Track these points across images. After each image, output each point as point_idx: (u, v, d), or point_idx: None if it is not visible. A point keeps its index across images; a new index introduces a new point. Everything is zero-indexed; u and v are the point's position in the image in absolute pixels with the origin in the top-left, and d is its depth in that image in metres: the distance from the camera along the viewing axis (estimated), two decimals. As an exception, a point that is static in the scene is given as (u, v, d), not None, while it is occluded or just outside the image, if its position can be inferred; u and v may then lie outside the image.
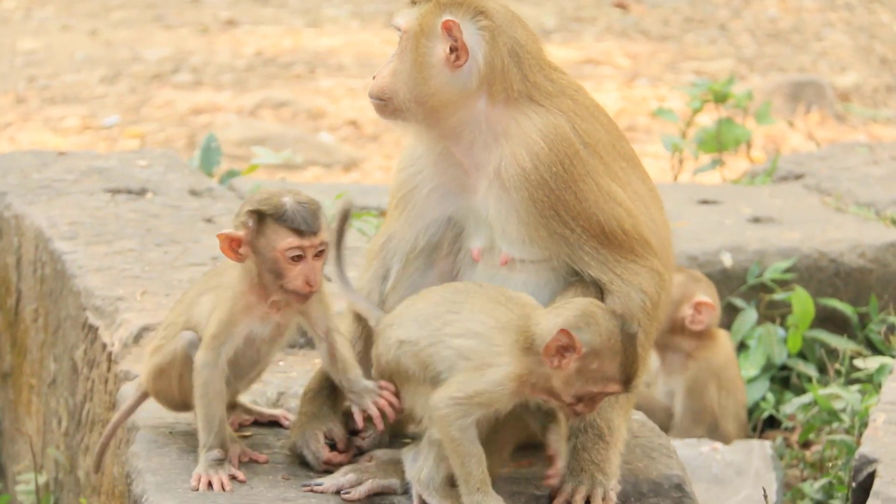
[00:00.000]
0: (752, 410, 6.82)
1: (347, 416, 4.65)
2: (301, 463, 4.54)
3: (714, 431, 6.58)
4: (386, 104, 4.56)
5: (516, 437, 4.54)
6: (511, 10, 4.59)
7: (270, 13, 14.49)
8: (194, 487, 4.38)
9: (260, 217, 4.41)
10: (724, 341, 6.71)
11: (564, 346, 4.19)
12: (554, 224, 4.46)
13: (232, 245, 4.42)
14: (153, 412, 4.79)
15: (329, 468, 4.50)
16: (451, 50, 4.49)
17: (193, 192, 6.85)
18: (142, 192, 6.81)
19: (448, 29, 4.48)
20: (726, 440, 6.47)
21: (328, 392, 4.62)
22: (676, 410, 6.66)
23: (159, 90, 12.27)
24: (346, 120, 11.62)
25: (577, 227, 4.47)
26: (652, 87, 12.34)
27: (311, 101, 11.95)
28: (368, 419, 4.48)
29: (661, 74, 12.69)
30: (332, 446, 4.55)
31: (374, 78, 4.59)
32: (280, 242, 4.39)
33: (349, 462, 4.52)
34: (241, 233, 4.42)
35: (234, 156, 10.20)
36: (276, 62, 13.05)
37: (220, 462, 4.41)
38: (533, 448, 4.60)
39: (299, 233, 4.39)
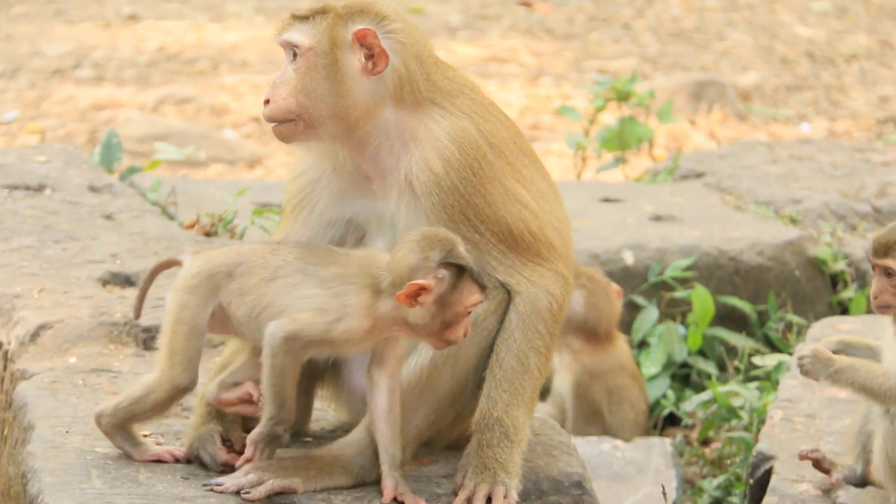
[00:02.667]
0: (653, 408, 6.86)
1: (245, 417, 4.62)
2: (200, 464, 4.50)
3: (609, 434, 6.60)
4: (296, 124, 4.49)
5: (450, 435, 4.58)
6: (401, 10, 4.59)
7: (173, 8, 14.36)
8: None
9: (459, 272, 4.32)
10: (618, 347, 6.71)
11: (417, 291, 4.28)
12: (463, 228, 4.47)
13: (418, 294, 4.30)
14: (50, 412, 4.74)
15: (227, 470, 4.46)
16: (367, 58, 4.47)
17: (93, 189, 6.77)
18: (40, 189, 6.72)
19: (362, 37, 4.46)
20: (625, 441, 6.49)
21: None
22: (567, 411, 6.68)
23: (60, 85, 12.13)
24: (249, 116, 11.56)
25: (486, 230, 4.49)
26: (556, 86, 12.38)
27: (214, 98, 11.86)
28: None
29: (566, 73, 12.74)
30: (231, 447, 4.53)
31: (266, 102, 4.50)
32: (470, 298, 4.33)
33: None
34: (433, 283, 4.31)
35: (136, 152, 10.10)
36: (180, 58, 12.94)
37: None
38: (429, 446, 4.62)
39: (483, 289, 4.37)
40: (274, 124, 4.52)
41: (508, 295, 4.54)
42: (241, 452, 4.49)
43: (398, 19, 4.52)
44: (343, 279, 4.36)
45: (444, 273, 4.30)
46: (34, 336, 5.30)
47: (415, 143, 4.49)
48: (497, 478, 4.43)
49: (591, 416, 6.64)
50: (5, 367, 5.26)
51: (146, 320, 5.42)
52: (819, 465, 4.87)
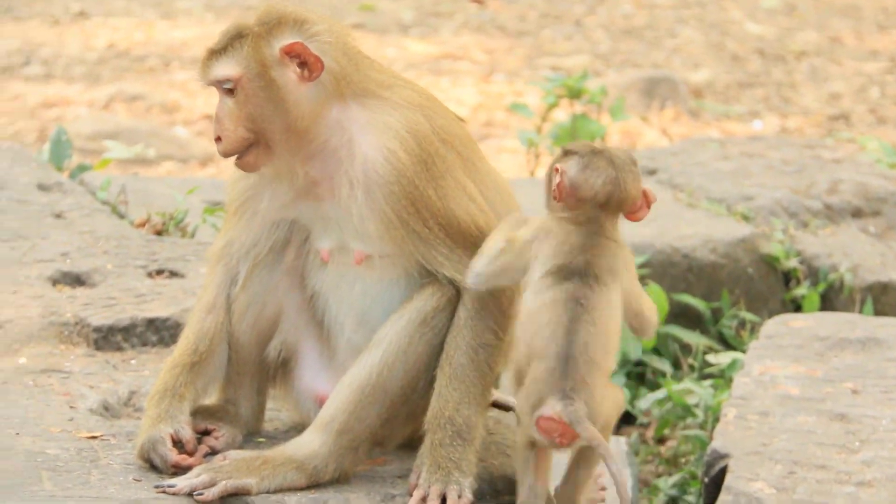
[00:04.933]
0: (608, 406, 6.85)
1: (196, 417, 4.58)
2: (151, 466, 4.46)
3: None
4: (255, 150, 4.44)
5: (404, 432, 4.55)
6: (311, 6, 4.54)
7: (122, 5, 14.26)
8: None
9: None
10: None
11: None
12: (413, 222, 4.44)
13: None
14: (-1, 414, 4.69)
15: (178, 471, 4.42)
16: (301, 67, 4.42)
17: (42, 187, 6.71)
18: (-13, 187, 6.66)
19: (291, 52, 4.41)
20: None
21: (176, 392, 4.54)
22: None
23: (8, 83, 12.02)
24: (201, 114, 11.48)
25: (435, 225, 4.46)
26: (508, 83, 12.37)
27: (165, 95, 11.79)
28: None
29: (518, 70, 12.73)
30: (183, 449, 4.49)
31: (218, 140, 4.45)
32: None
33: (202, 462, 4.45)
34: None
35: (86, 150, 10.02)
36: (129, 55, 12.85)
37: None
38: (383, 445, 4.60)
39: None
40: (235, 158, 4.47)
41: (457, 291, 4.50)
42: (191, 454, 4.46)
43: (316, 20, 4.48)
44: None
45: None
46: (-17, 336, 5.25)
47: (366, 137, 4.45)
48: (451, 477, 4.41)
49: None
50: (-47, 369, 5.19)
51: (96, 319, 5.38)
52: None
